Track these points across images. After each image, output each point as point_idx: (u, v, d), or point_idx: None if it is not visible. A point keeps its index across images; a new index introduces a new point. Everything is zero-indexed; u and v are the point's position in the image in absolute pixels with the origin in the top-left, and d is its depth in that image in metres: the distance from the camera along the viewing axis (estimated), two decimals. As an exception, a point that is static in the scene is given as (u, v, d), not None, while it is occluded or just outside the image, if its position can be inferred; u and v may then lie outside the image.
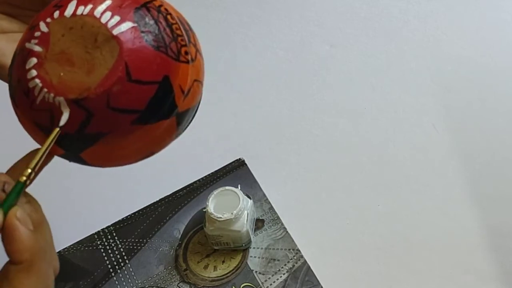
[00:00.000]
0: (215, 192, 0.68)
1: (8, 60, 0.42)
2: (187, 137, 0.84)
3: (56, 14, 0.37)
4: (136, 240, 0.73)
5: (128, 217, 0.75)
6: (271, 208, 0.74)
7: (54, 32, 0.36)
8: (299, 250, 0.70)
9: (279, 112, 0.85)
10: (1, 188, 0.35)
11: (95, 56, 0.35)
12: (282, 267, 0.69)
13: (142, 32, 0.36)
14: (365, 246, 0.71)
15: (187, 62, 0.38)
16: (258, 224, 0.72)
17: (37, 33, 0.37)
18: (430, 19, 0.92)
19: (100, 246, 0.73)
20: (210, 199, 0.68)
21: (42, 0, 0.45)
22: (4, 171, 0.38)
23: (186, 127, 0.47)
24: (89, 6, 0.36)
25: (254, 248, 0.71)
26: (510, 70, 0.85)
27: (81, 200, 0.78)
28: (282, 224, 0.72)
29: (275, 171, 0.79)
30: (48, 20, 0.37)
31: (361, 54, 0.89)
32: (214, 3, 0.97)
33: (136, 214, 0.75)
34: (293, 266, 0.69)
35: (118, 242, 0.73)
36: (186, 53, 0.38)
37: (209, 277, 0.69)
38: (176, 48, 0.37)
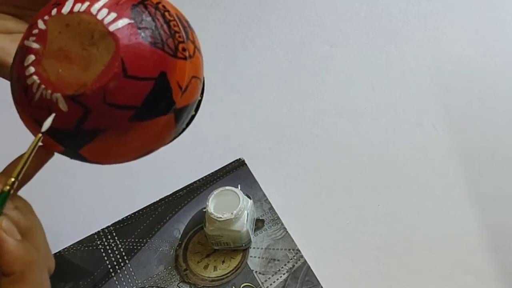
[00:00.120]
0: (215, 192, 0.68)
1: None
2: (187, 137, 0.84)
3: (54, 11, 0.37)
4: (136, 240, 0.73)
5: (128, 217, 0.75)
6: (271, 208, 0.74)
7: (52, 29, 0.37)
8: (299, 250, 0.70)
9: (279, 112, 0.85)
10: None
11: (91, 53, 0.36)
12: (282, 267, 0.69)
13: (139, 28, 0.36)
14: (365, 246, 0.71)
15: (185, 58, 0.38)
16: (258, 224, 0.72)
17: (35, 31, 0.37)
18: (430, 19, 0.92)
19: (100, 246, 0.73)
20: (210, 199, 0.68)
21: (46, 0, 0.45)
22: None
23: (186, 125, 0.46)
24: (86, 3, 0.37)
25: (254, 248, 0.71)
26: (510, 70, 0.85)
27: (81, 200, 0.78)
28: (282, 224, 0.72)
29: (275, 171, 0.79)
30: (46, 17, 0.37)
31: (361, 54, 0.89)
32: (214, 3, 0.97)
33: (136, 214, 0.75)
34: (293, 266, 0.69)
35: (118, 242, 0.73)
36: (184, 49, 0.38)
37: (209, 277, 0.69)
38: (173, 44, 0.38)
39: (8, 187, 0.36)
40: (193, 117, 0.48)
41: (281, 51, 0.91)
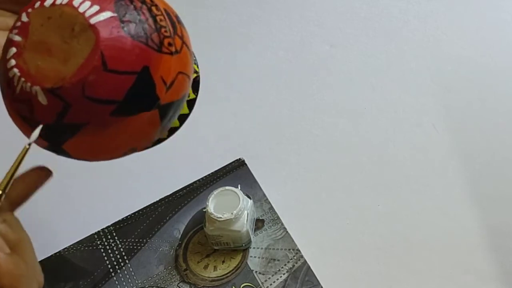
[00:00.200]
0: (215, 192, 0.68)
1: None
2: (187, 137, 0.84)
3: (37, 4, 0.37)
4: (136, 240, 0.73)
5: (128, 217, 0.75)
6: (271, 208, 0.74)
7: (34, 21, 0.36)
8: (299, 250, 0.70)
9: (279, 112, 0.85)
10: None
11: (72, 46, 0.35)
12: (282, 267, 0.69)
13: (122, 22, 0.36)
14: (365, 246, 0.71)
15: (171, 53, 0.38)
16: (258, 224, 0.72)
17: (18, 23, 0.37)
18: (430, 19, 0.92)
19: (100, 246, 0.73)
20: (210, 199, 0.68)
21: None
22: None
23: (181, 123, 0.46)
24: None
25: (254, 248, 0.71)
26: (510, 70, 0.85)
27: (81, 200, 0.78)
28: (282, 224, 0.72)
29: (275, 171, 0.79)
30: (30, 10, 0.37)
31: (361, 54, 0.89)
32: (214, 3, 0.97)
33: (136, 214, 0.75)
34: (293, 266, 0.69)
35: (118, 242, 0.73)
36: (170, 44, 0.38)
37: (209, 277, 0.69)
38: (158, 39, 0.37)
39: None
40: (187, 115, 0.48)
41: (281, 51, 0.91)
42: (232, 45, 0.93)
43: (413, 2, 0.94)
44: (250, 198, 0.72)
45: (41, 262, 0.72)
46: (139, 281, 0.70)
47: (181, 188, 0.77)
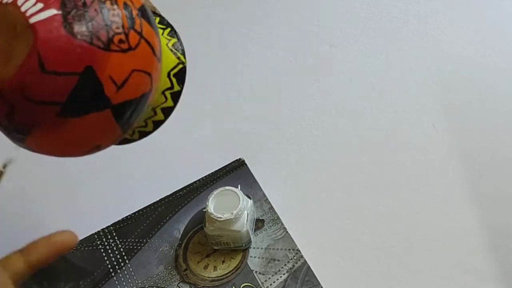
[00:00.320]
0: (215, 192, 0.68)
1: None
2: (187, 137, 0.84)
3: None
4: (136, 240, 0.73)
5: (128, 217, 0.75)
6: (271, 208, 0.74)
7: None
8: (299, 250, 0.70)
9: (279, 112, 0.85)
10: None
11: (14, 46, 0.34)
12: (282, 267, 0.69)
13: (65, 20, 0.34)
14: (365, 246, 0.71)
15: (122, 51, 0.36)
16: (258, 224, 0.72)
17: None
18: (430, 19, 0.92)
19: (100, 246, 0.73)
20: (210, 199, 0.68)
21: None
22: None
23: (165, 116, 0.45)
24: None
25: (254, 248, 0.71)
26: (510, 70, 0.85)
27: (81, 200, 0.78)
28: (282, 224, 0.72)
29: (275, 171, 0.79)
30: None
31: (361, 54, 0.89)
32: (214, 3, 0.97)
33: (136, 214, 0.75)
34: (293, 266, 0.69)
35: (118, 242, 0.73)
36: (121, 41, 0.36)
37: (209, 277, 0.69)
38: (106, 36, 0.35)
39: None
40: (172, 108, 0.46)
41: (281, 51, 0.91)
42: (232, 45, 0.93)
43: (413, 2, 0.94)
44: (250, 198, 0.72)
45: (41, 262, 0.72)
46: (139, 281, 0.70)
47: (181, 188, 0.77)
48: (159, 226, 0.74)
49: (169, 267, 0.70)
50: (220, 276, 0.69)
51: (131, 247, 0.73)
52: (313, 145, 0.80)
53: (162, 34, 0.45)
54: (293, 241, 0.71)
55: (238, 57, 0.91)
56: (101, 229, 0.74)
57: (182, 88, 0.46)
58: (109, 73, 0.36)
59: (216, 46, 0.92)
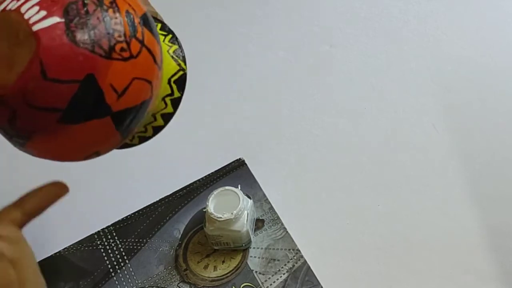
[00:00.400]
0: (215, 192, 0.68)
1: None
2: (187, 137, 0.84)
3: None
4: (136, 240, 0.73)
5: (128, 217, 0.75)
6: (271, 208, 0.74)
7: None
8: (299, 250, 0.70)
9: (279, 112, 0.85)
10: None
11: (16, 52, 0.35)
12: (282, 267, 0.69)
13: (68, 28, 0.35)
14: (365, 246, 0.71)
15: (123, 59, 0.37)
16: (258, 224, 0.72)
17: None
18: (430, 19, 0.92)
19: (100, 246, 0.73)
20: (210, 199, 0.68)
21: None
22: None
23: (165, 122, 0.45)
24: (21, 0, 0.35)
25: (254, 248, 0.71)
26: (510, 70, 0.85)
27: (81, 200, 0.78)
28: (282, 224, 0.72)
29: (275, 171, 0.79)
30: None
31: (361, 54, 0.89)
32: (214, 3, 0.97)
33: (136, 214, 0.75)
34: (293, 266, 0.69)
35: (118, 242, 0.73)
36: (123, 49, 0.37)
37: (209, 277, 0.69)
38: (108, 44, 0.36)
39: None
40: (172, 114, 0.47)
41: (281, 51, 0.91)
42: (232, 45, 0.93)
43: (413, 2, 0.94)
44: (250, 198, 0.72)
45: (41, 262, 0.72)
46: (139, 281, 0.70)
47: (181, 188, 0.77)
48: (159, 226, 0.74)
49: (169, 267, 0.70)
50: (220, 276, 0.69)
51: (131, 247, 0.73)
52: (313, 145, 0.80)
53: (163, 40, 0.45)
54: (293, 241, 0.71)
55: (238, 57, 0.91)
56: (101, 229, 0.74)
57: (182, 95, 0.46)
58: (110, 81, 0.36)
59: (216, 46, 0.92)
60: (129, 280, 0.70)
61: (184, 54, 0.47)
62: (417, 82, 0.86)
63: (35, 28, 0.34)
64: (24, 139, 0.37)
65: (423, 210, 0.73)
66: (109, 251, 0.72)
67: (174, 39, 0.47)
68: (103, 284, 0.70)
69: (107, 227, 0.75)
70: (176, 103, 0.46)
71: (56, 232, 0.75)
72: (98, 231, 0.74)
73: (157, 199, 0.76)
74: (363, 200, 0.75)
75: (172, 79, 0.45)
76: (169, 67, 0.45)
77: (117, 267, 0.71)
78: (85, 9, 0.36)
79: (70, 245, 0.73)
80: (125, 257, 0.72)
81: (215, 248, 0.71)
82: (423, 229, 0.72)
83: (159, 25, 0.46)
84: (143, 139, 0.47)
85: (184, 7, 0.94)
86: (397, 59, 0.88)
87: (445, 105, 0.83)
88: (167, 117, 0.46)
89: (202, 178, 0.77)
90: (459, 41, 0.89)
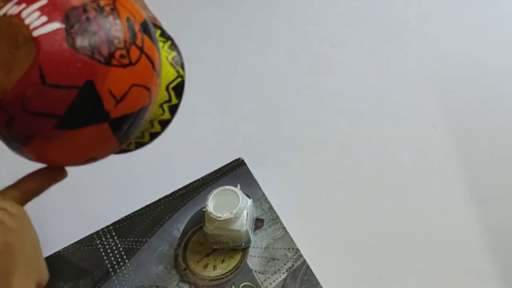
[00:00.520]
0: (215, 191, 0.68)
1: None
2: (187, 137, 0.84)
3: None
4: (136, 239, 0.73)
5: (128, 216, 0.75)
6: (271, 207, 0.74)
7: None
8: (299, 250, 0.70)
9: (279, 112, 0.85)
10: None
11: (16, 57, 0.35)
12: (281, 267, 0.69)
13: (68, 34, 0.35)
14: (365, 246, 0.71)
15: (122, 66, 0.37)
16: (258, 223, 0.72)
17: None
18: (430, 19, 0.92)
19: (100, 246, 0.73)
20: (210, 198, 0.68)
21: None
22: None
23: (162, 129, 0.45)
24: (22, 6, 0.35)
25: (253, 247, 0.71)
26: (510, 70, 0.85)
27: (81, 200, 0.78)
28: (282, 223, 0.72)
29: (275, 171, 0.79)
30: None
31: (361, 54, 0.89)
32: (214, 3, 0.97)
33: (136, 213, 0.75)
34: (293, 265, 0.69)
35: (117, 241, 0.73)
36: (122, 56, 0.37)
37: (208, 276, 0.69)
38: (107, 51, 0.36)
39: None
40: (169, 121, 0.47)
41: (281, 51, 0.91)
42: (232, 45, 0.93)
43: (413, 2, 0.94)
44: (249, 197, 0.71)
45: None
46: (138, 281, 0.70)
47: (181, 188, 0.76)
48: (158, 226, 0.74)
49: (169, 267, 0.70)
50: (220, 276, 0.69)
51: (130, 246, 0.72)
52: (313, 145, 0.80)
53: (163, 47, 0.45)
54: (292, 240, 0.71)
55: (238, 57, 0.91)
56: (101, 229, 0.74)
57: (180, 102, 0.46)
58: (109, 88, 0.36)
59: (216, 46, 0.92)
60: (129, 280, 0.70)
61: (183, 60, 0.47)
62: (417, 82, 0.86)
63: (36, 33, 0.34)
64: (22, 143, 0.37)
65: (423, 210, 0.73)
66: (109, 250, 0.72)
67: (173, 46, 0.47)
68: (103, 284, 0.70)
69: (107, 226, 0.74)
70: (173, 109, 0.46)
71: (55, 232, 0.75)
72: (98, 231, 0.74)
73: (157, 199, 0.76)
74: (363, 200, 0.75)
75: (170, 86, 0.45)
76: (168, 73, 0.45)
77: (116, 266, 0.71)
78: (86, 15, 0.36)
79: (70, 245, 0.73)
80: (125, 257, 0.72)
81: (215, 247, 0.71)
82: (423, 229, 0.72)
83: (159, 32, 0.46)
84: (139, 145, 0.47)
85: (184, 7, 0.94)
86: (397, 59, 0.88)
87: (445, 105, 0.83)
88: (164, 124, 0.46)
89: (201, 178, 0.77)
90: (459, 41, 0.89)
